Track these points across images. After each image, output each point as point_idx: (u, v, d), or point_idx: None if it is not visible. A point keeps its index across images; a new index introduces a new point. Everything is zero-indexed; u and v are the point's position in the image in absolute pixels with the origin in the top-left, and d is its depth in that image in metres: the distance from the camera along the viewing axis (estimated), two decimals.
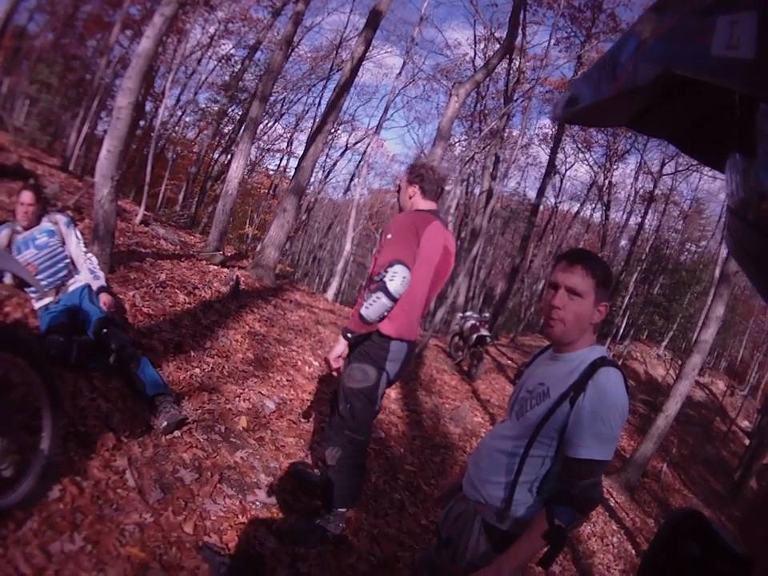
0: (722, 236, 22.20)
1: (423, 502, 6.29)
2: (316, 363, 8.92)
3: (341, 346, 4.19)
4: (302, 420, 6.63)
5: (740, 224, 0.76)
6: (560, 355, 2.66)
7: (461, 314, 17.52)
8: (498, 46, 20.99)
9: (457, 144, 34.35)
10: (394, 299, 3.93)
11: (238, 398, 6.36)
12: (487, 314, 18.07)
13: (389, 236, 4.12)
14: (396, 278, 3.87)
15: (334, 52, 34.77)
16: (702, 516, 1.13)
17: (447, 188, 34.83)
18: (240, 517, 4.43)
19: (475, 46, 32.03)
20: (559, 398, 2.47)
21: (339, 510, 4.64)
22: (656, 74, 0.77)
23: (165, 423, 4.92)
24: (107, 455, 4.28)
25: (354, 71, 15.12)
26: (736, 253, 0.86)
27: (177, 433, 5.06)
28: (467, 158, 30.47)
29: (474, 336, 14.62)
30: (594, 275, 2.51)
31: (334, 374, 4.63)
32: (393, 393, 8.64)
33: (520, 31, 21.69)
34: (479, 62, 29.27)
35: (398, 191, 4.62)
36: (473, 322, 15.26)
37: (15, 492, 3.28)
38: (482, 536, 2.69)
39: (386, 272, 3.88)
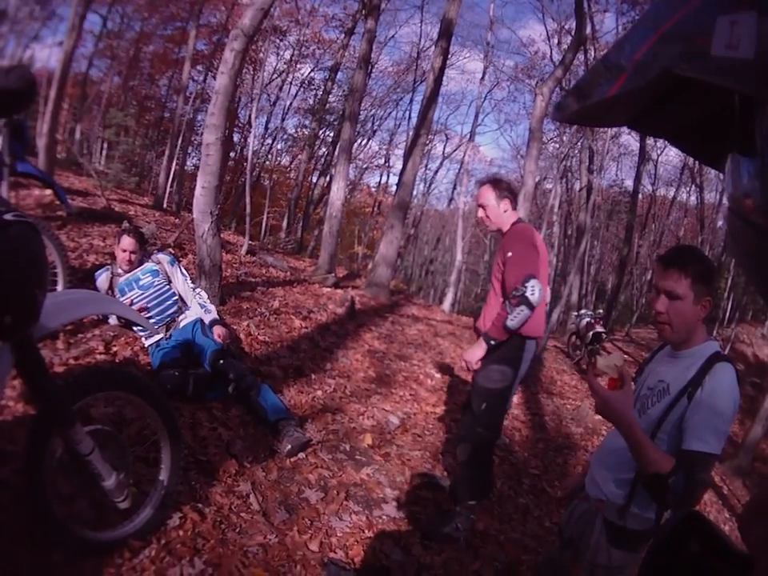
0: None
1: (547, 505, 6.23)
2: (438, 376, 8.96)
3: (481, 351, 4.63)
4: (427, 433, 6.64)
5: (740, 224, 0.76)
6: (678, 353, 2.67)
7: (576, 313, 17.54)
8: (570, 38, 20.77)
9: (550, 141, 34.09)
10: (533, 309, 4.41)
11: (361, 416, 6.44)
12: (601, 311, 17.97)
13: (509, 254, 4.54)
14: (535, 292, 4.36)
15: (414, 64, 34.79)
16: (702, 517, 1.12)
17: (548, 186, 34.81)
18: (366, 531, 4.46)
19: (549, 41, 31.73)
20: (678, 393, 2.51)
21: (469, 503, 4.84)
22: (656, 74, 0.76)
23: (289, 446, 4.99)
24: (230, 481, 4.36)
25: (438, 81, 15.25)
26: (736, 253, 0.87)
27: (301, 455, 5.14)
28: (562, 155, 30.27)
29: (590, 333, 14.65)
30: (688, 274, 2.51)
31: (470, 373, 4.81)
32: (515, 398, 8.58)
33: (588, 21, 21.42)
34: (556, 57, 29.03)
35: (484, 207, 4.84)
36: (588, 319, 15.27)
37: (132, 522, 3.37)
38: (603, 534, 2.72)
39: (525, 287, 4.36)
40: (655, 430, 2.55)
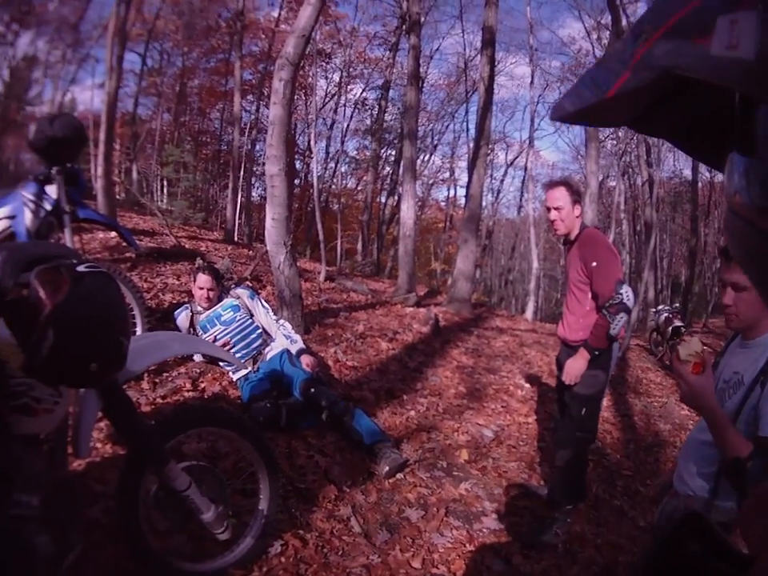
0: None
1: (641, 505, 6.14)
2: (527, 386, 8.92)
3: (585, 362, 4.72)
4: (521, 443, 6.62)
5: (741, 224, 0.74)
6: (748, 342, 2.66)
7: (654, 309, 17.39)
8: (608, 33, 20.67)
9: (607, 139, 33.91)
10: (630, 313, 4.65)
11: (456, 432, 6.42)
12: (678, 304, 17.83)
13: (594, 264, 4.63)
14: (630, 296, 4.51)
15: (464, 74, 34.91)
16: (702, 517, 1.09)
17: (612, 184, 34.65)
18: (467, 545, 4.44)
19: (589, 37, 31.40)
20: (752, 383, 2.49)
21: (566, 507, 4.93)
22: (656, 74, 0.73)
23: (387, 468, 5.01)
24: (330, 506, 4.39)
25: (489, 90, 15.37)
26: (737, 253, 0.83)
27: (399, 475, 5.15)
28: (621, 151, 30.05)
29: (670, 328, 14.41)
30: None
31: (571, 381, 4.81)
32: (604, 400, 8.56)
33: (622, 13, 21.32)
34: (599, 53, 28.76)
35: (559, 210, 4.80)
36: (666, 314, 15.06)
37: (233, 552, 3.42)
38: None
39: (620, 294, 4.47)
40: (733, 421, 2.50)
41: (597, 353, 4.65)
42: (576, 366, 4.73)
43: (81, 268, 2.16)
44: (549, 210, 4.87)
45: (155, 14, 30.56)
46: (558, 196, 4.76)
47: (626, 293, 4.48)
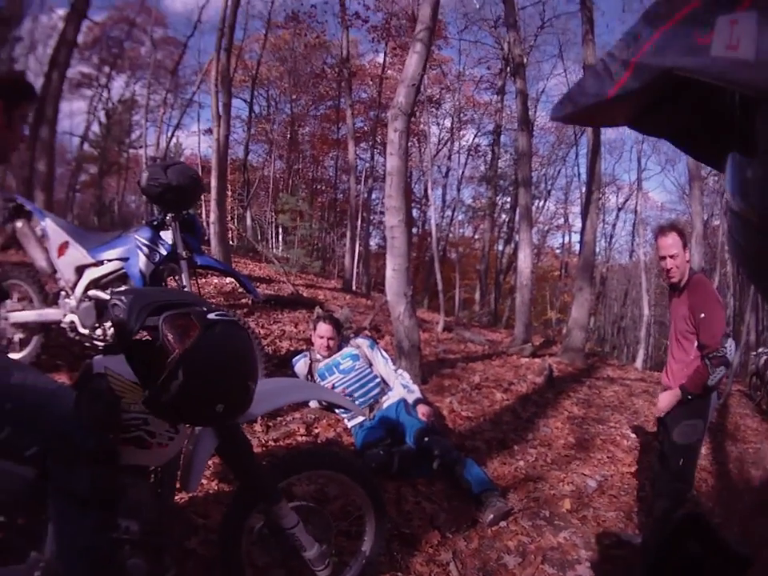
0: None
1: None
2: (633, 436, 8.79)
3: (676, 400, 4.82)
4: (622, 493, 6.57)
5: (741, 224, 0.80)
6: None
7: (754, 353, 16.98)
8: None
9: (709, 176, 33.16)
10: (729, 366, 4.84)
11: (561, 483, 6.39)
12: None
13: (702, 315, 4.67)
14: (732, 350, 4.69)
15: None
16: (702, 517, 1.12)
17: (716, 223, 33.91)
18: None
19: None
20: None
21: None
22: (656, 75, 0.80)
23: (491, 516, 5.02)
24: (431, 551, 4.45)
25: (597, 133, 15.29)
26: (736, 253, 0.89)
27: (503, 523, 5.16)
28: (722, 189, 29.47)
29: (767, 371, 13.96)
30: None
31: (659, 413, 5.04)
32: (703, 449, 8.43)
33: None
34: None
35: (674, 257, 4.83)
36: (766, 357, 14.67)
37: None
38: None
39: (724, 348, 4.56)
40: None
41: (690, 397, 4.71)
42: (667, 399, 4.90)
43: (211, 315, 2.35)
44: (663, 258, 4.89)
45: (257, 60, 31.31)
46: (672, 243, 4.80)
47: (730, 347, 4.58)
